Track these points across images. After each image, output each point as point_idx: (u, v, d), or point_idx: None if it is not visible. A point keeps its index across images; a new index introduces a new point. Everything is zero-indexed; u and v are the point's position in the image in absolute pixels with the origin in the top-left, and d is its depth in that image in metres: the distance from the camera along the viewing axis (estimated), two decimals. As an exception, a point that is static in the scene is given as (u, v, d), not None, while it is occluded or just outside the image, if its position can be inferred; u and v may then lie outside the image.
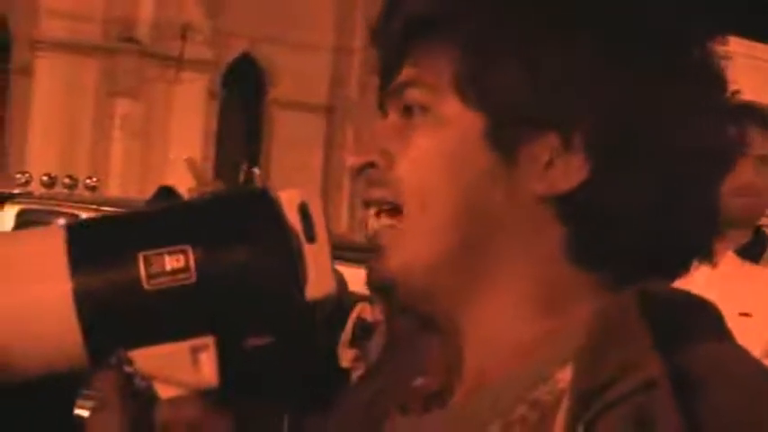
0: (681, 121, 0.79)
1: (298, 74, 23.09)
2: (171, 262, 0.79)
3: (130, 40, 21.46)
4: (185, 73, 21.78)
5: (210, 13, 22.15)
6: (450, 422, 0.82)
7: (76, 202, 10.44)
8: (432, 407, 0.86)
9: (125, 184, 19.93)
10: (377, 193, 0.85)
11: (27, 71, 21.33)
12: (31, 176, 11.95)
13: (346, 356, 5.32)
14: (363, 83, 23.23)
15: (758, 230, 2.67)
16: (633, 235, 0.79)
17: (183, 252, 0.80)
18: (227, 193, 0.88)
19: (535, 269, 0.81)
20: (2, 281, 0.80)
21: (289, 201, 0.83)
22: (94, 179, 13.03)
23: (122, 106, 21.30)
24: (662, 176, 0.79)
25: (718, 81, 0.83)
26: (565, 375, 0.74)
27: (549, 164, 0.79)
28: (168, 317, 0.81)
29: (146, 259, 0.79)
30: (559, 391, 0.75)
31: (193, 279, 0.80)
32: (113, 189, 18.98)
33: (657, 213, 0.79)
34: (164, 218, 0.84)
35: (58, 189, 11.67)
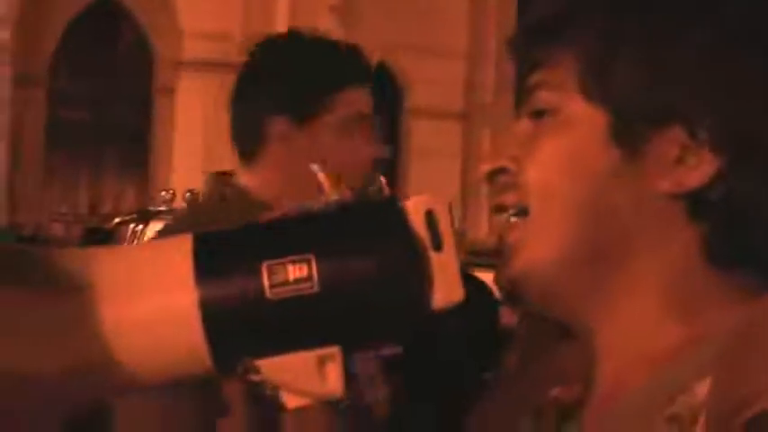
0: None
1: (432, 81, 23.12)
2: (294, 271, 0.79)
3: (268, 55, 21.82)
4: (321, 85, 22.00)
5: (344, 23, 22.35)
6: None
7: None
8: (567, 417, 0.84)
9: (266, 198, 20.23)
10: (507, 198, 0.85)
11: (169, 90, 21.91)
12: (174, 194, 12.22)
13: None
14: (498, 88, 23.16)
15: None
16: None
17: (307, 261, 0.80)
18: (353, 202, 0.86)
19: (668, 272, 0.78)
20: (130, 291, 0.81)
21: (415, 209, 0.82)
22: (236, 194, 13.19)
23: (261, 121, 21.64)
24: None
25: None
26: (703, 389, 0.72)
27: (676, 160, 0.77)
28: (292, 326, 0.81)
29: (269, 269, 0.79)
30: (698, 405, 0.72)
31: (316, 289, 0.79)
32: (255, 203, 19.28)
33: None
34: (289, 227, 0.85)
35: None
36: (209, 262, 0.81)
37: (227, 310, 0.80)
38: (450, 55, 23.27)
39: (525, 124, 0.85)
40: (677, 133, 0.78)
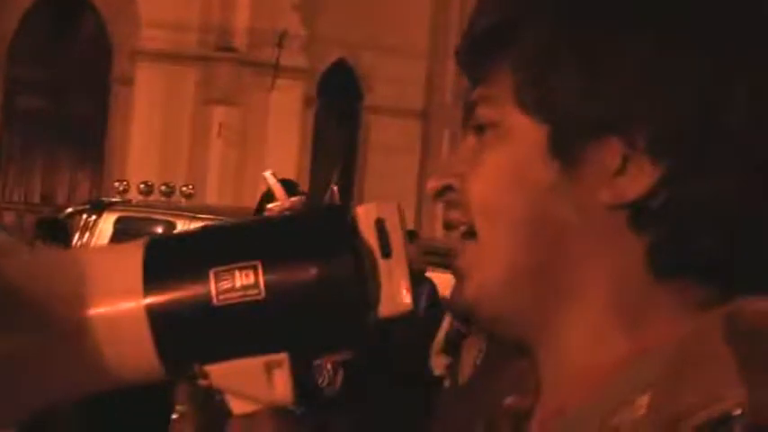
0: (752, 111, 0.75)
1: (393, 79, 23.19)
2: (241, 278, 0.80)
3: (227, 48, 21.78)
4: (281, 80, 22.02)
5: (306, 20, 22.35)
6: None
7: (173, 210, 10.60)
8: (520, 427, 0.84)
9: (222, 192, 20.22)
10: (454, 216, 0.84)
11: (127, 81, 21.79)
12: (128, 185, 12.19)
13: (438, 364, 5.28)
14: (458, 88, 23.28)
15: None
16: (717, 243, 0.74)
17: (254, 268, 0.80)
18: (303, 210, 0.86)
19: (612, 283, 0.77)
20: (82, 295, 0.81)
21: (365, 216, 0.83)
22: (191, 187, 13.24)
23: (219, 114, 21.63)
24: (742, 177, 0.74)
25: None
26: (644, 402, 0.71)
27: (615, 171, 0.76)
28: (239, 332, 0.81)
29: (216, 275, 0.80)
30: (639, 418, 0.71)
31: (262, 295, 0.79)
32: (210, 196, 19.27)
33: (742, 217, 0.75)
34: (239, 234, 0.85)
35: (156, 197, 11.88)
36: (158, 268, 0.82)
37: (175, 315, 0.80)
38: (411, 54, 23.35)
39: (470, 140, 0.85)
40: (615, 144, 0.76)
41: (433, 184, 0.85)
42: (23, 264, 0.86)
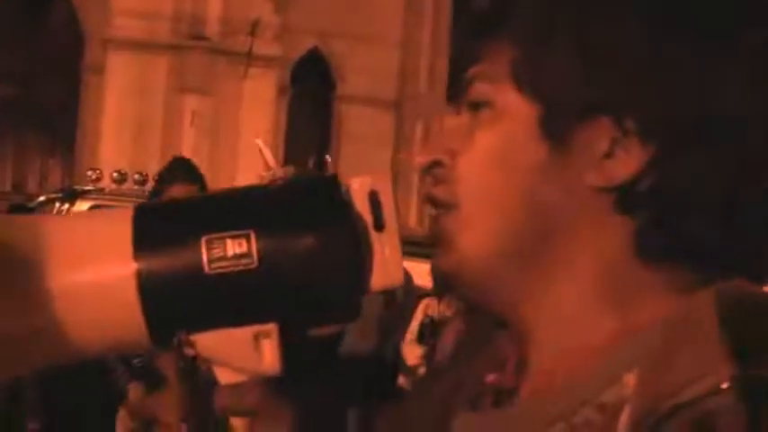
0: (745, 97, 0.76)
1: (366, 69, 23.12)
2: (233, 246, 0.78)
3: (200, 37, 21.64)
4: (254, 69, 21.91)
5: (279, 8, 22.24)
6: (514, 422, 0.80)
7: (146, 198, 10.52)
8: (503, 404, 0.84)
9: (195, 180, 20.07)
10: (438, 191, 0.84)
11: (99, 69, 21.62)
12: (101, 173, 12.09)
13: (412, 354, 5.28)
14: (432, 78, 23.22)
15: None
16: (702, 227, 0.75)
17: (246, 237, 0.78)
18: (295, 179, 0.85)
19: (600, 265, 0.78)
20: (70, 260, 0.80)
21: (359, 188, 0.82)
22: (164, 175, 13.09)
23: (192, 102, 21.49)
24: (729, 160, 0.75)
25: None
26: (632, 379, 0.72)
27: (604, 153, 0.76)
28: (229, 302, 0.79)
29: (208, 243, 0.78)
30: (626, 395, 0.72)
31: (255, 264, 0.78)
32: (183, 185, 19.11)
33: (728, 200, 0.75)
34: (231, 202, 0.83)
35: (129, 185, 11.80)
36: (148, 234, 0.80)
37: (164, 282, 0.78)
38: (384, 44, 23.28)
39: (463, 117, 0.85)
40: (606, 127, 0.77)
41: (421, 159, 0.85)
42: (10, 229, 0.83)
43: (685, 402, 0.67)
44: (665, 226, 0.76)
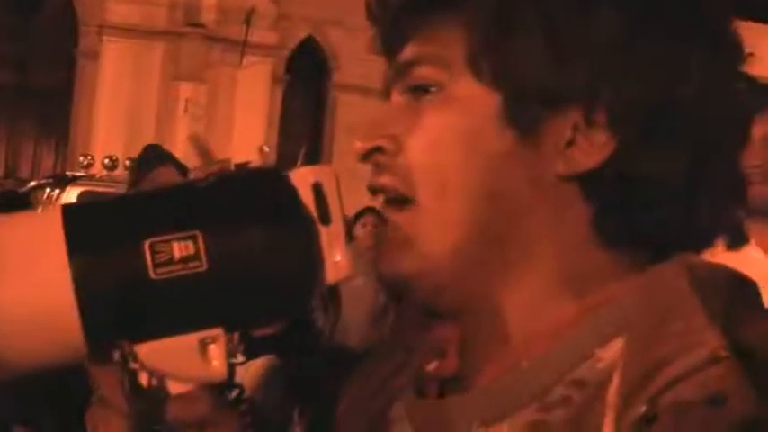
0: (708, 90, 0.76)
1: (361, 58, 23.10)
2: (180, 249, 0.73)
3: (195, 24, 21.63)
4: (249, 57, 21.89)
5: (275, -3, 22.22)
6: (479, 404, 0.78)
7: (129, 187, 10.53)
8: (448, 391, 0.83)
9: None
10: (384, 180, 0.81)
11: (93, 55, 21.59)
12: (93, 159, 12.10)
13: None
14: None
15: None
16: (662, 213, 0.76)
17: (193, 238, 0.73)
18: (236, 173, 0.82)
19: (564, 250, 0.78)
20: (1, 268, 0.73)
21: (301, 180, 0.77)
22: (156, 162, 13.13)
23: (186, 90, 21.49)
24: (690, 150, 0.75)
25: (738, 51, 0.79)
26: (606, 354, 0.73)
27: (571, 142, 0.76)
28: (177, 308, 0.74)
29: (152, 247, 0.73)
30: (601, 369, 0.72)
31: (204, 267, 0.73)
32: (176, 172, 19.15)
33: (686, 189, 0.76)
34: (170, 201, 0.78)
35: (120, 171, 11.81)
36: (84, 235, 0.74)
37: (105, 289, 0.72)
38: (380, 33, 23.28)
39: (399, 100, 0.82)
40: (574, 115, 0.76)
41: (360, 145, 0.81)
42: None
43: (683, 373, 0.67)
44: (627, 211, 0.76)
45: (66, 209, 0.75)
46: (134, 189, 3.59)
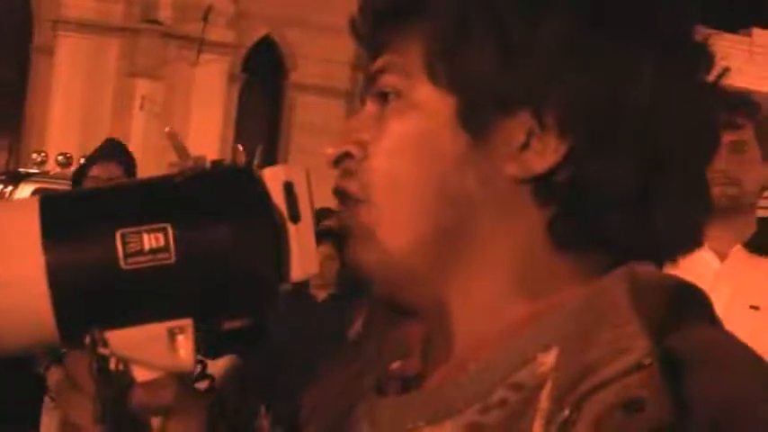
0: (662, 96, 0.77)
1: (319, 58, 23.08)
2: (150, 241, 0.77)
3: (152, 20, 21.48)
4: (206, 55, 21.79)
5: (232, -5, 22.12)
6: (426, 404, 0.80)
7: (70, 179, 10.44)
8: (410, 390, 0.85)
9: (143, 166, 19.96)
10: (345, 184, 0.83)
11: (48, 50, 21.37)
12: (47, 156, 11.98)
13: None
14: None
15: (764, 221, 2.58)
16: (616, 217, 0.77)
17: (163, 231, 0.77)
18: (209, 169, 0.84)
19: (515, 254, 0.79)
20: None
21: (273, 179, 0.81)
22: (111, 159, 13.01)
23: (143, 87, 21.33)
24: (645, 156, 0.77)
25: (702, 59, 0.80)
26: (547, 359, 0.74)
27: (523, 145, 0.77)
28: (145, 298, 0.78)
29: (123, 237, 0.76)
30: (541, 374, 0.73)
31: (173, 259, 0.77)
32: (132, 170, 19.01)
33: (641, 194, 0.77)
34: (144, 194, 0.81)
35: (74, 168, 11.71)
36: (59, 225, 0.77)
37: (77, 277, 0.76)
38: (338, 33, 23.22)
39: (370, 108, 0.85)
40: (525, 119, 0.77)
41: (331, 151, 0.84)
42: None
43: (606, 380, 0.68)
44: (580, 215, 0.77)
45: (45, 198, 0.78)
46: (75, 186, 3.59)
